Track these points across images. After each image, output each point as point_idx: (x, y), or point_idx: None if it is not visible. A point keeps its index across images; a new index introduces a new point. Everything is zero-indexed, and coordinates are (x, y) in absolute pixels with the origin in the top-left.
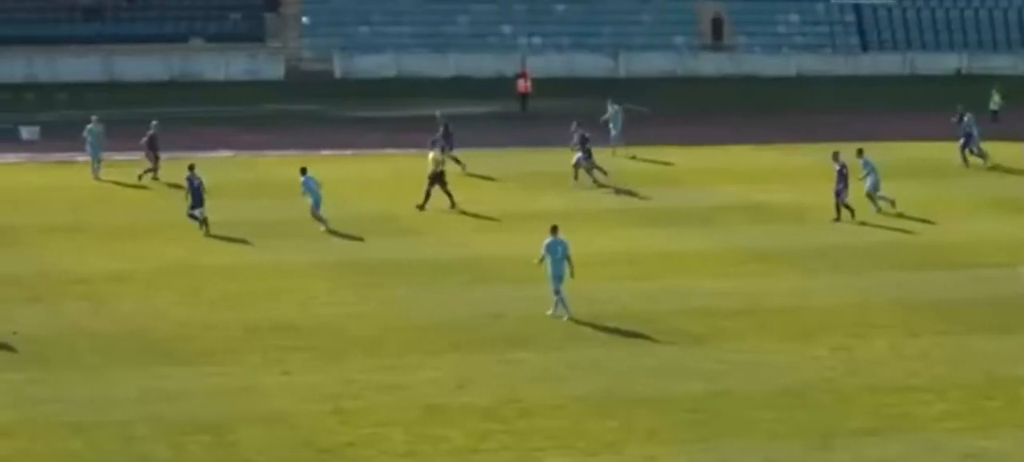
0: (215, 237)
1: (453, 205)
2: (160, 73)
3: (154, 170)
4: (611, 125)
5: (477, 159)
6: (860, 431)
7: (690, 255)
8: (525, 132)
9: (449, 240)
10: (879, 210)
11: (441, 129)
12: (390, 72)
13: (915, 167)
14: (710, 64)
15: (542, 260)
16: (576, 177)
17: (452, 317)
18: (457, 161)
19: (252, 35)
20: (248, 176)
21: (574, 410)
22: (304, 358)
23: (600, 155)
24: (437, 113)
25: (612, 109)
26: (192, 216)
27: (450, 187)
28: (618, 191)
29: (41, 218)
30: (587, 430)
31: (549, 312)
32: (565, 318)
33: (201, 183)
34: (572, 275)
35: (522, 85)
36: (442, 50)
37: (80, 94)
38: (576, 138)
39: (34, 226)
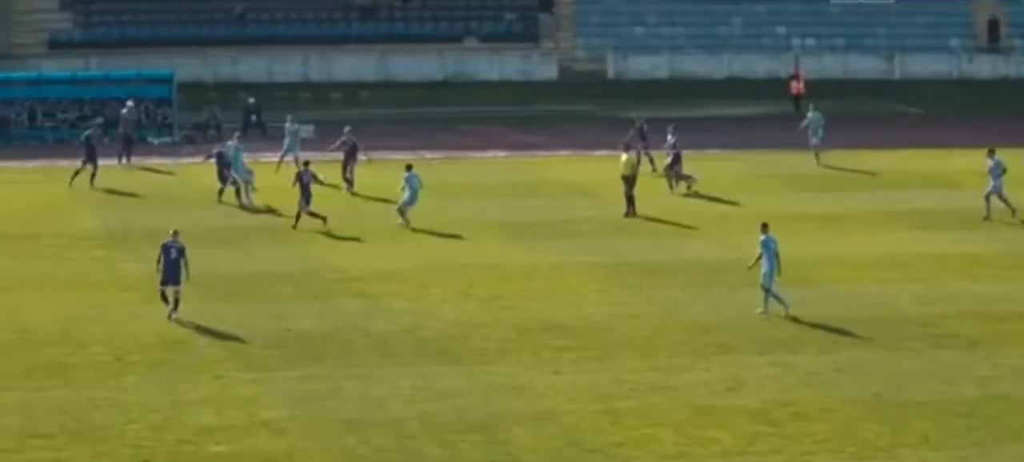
0: (483, 237)
1: (632, 212)
2: (434, 73)
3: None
4: (810, 132)
5: (749, 160)
6: None
7: (964, 258)
8: (798, 134)
9: (722, 241)
10: (987, 216)
11: (635, 130)
12: (663, 73)
13: None
14: (986, 66)
15: (759, 259)
16: (671, 186)
17: (723, 319)
18: (652, 162)
19: (526, 35)
20: (519, 177)
21: (845, 414)
22: (575, 358)
23: (799, 160)
24: (634, 114)
25: (812, 116)
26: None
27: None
28: (886, 193)
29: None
30: (858, 434)
31: (760, 310)
32: (784, 313)
33: (310, 179)
34: (779, 273)
35: (795, 86)
36: (716, 51)
37: (354, 93)
38: (670, 141)
39: (302, 224)
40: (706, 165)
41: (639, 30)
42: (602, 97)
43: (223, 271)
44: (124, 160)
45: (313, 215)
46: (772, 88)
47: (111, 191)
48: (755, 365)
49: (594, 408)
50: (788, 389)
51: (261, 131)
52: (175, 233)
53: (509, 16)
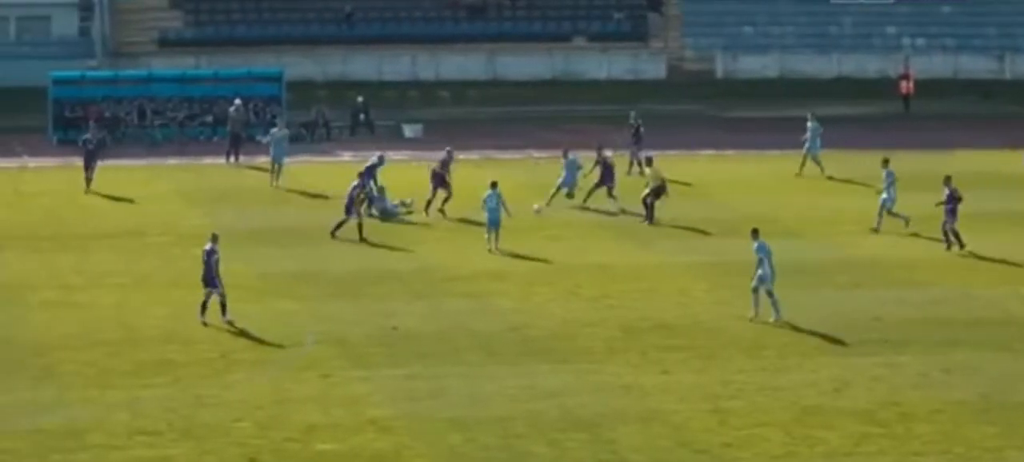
0: (590, 237)
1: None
2: (542, 72)
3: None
4: (808, 142)
5: (857, 160)
6: None
7: None
8: (907, 134)
9: (829, 242)
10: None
11: (631, 131)
12: (772, 72)
13: None
14: None
15: (760, 264)
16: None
17: (830, 319)
18: (639, 164)
19: (635, 34)
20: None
21: (953, 415)
22: (683, 357)
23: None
24: (631, 114)
25: (812, 125)
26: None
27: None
28: (998, 193)
29: (416, 215)
30: (967, 436)
31: (751, 316)
32: (773, 319)
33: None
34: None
35: (905, 86)
36: (825, 51)
37: (463, 92)
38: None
39: (410, 222)
40: (811, 165)
41: (748, 29)
42: (710, 97)
43: (331, 269)
44: (232, 159)
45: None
46: (882, 88)
47: (220, 190)
48: (862, 366)
49: (702, 408)
50: (895, 390)
51: (369, 130)
52: (214, 237)
53: (618, 15)
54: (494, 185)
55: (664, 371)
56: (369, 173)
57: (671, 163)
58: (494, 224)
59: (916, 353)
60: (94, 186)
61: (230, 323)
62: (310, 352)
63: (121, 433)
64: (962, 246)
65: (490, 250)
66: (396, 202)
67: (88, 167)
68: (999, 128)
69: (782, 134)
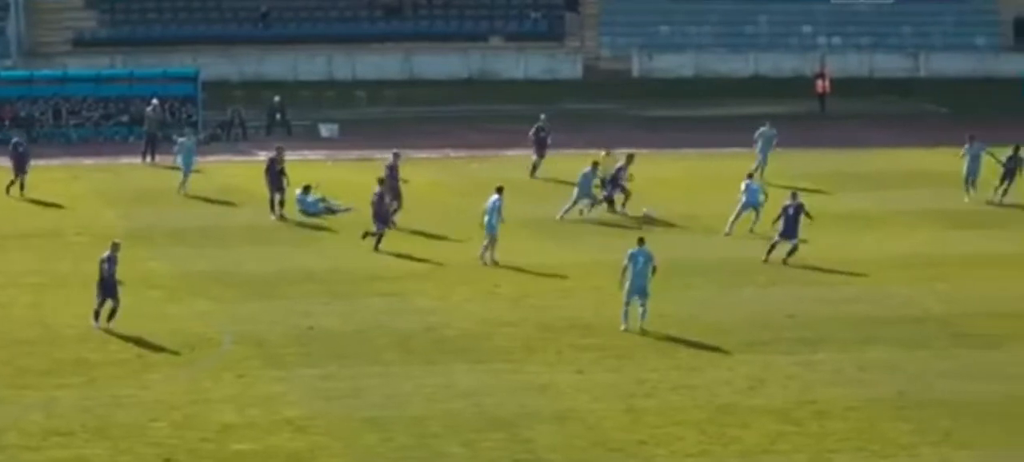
0: (510, 236)
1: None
2: (459, 71)
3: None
4: (759, 149)
5: (774, 159)
6: None
7: (990, 257)
8: (823, 133)
9: (748, 242)
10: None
11: (533, 132)
12: (688, 72)
13: None
14: (1012, 65)
15: (625, 270)
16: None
17: (745, 319)
18: (535, 166)
19: (551, 34)
20: (547, 175)
21: (868, 412)
22: (598, 357)
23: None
24: (541, 116)
25: (762, 131)
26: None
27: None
28: (911, 192)
29: (339, 217)
30: (881, 432)
31: (623, 327)
32: (633, 328)
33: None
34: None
35: (821, 85)
36: (741, 50)
37: (379, 92)
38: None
39: (328, 226)
40: (727, 164)
41: (664, 29)
42: (627, 96)
43: (248, 269)
44: (149, 159)
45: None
46: (798, 87)
47: (136, 190)
48: (777, 364)
49: (616, 406)
50: (811, 388)
51: (286, 130)
52: (115, 246)
53: (534, 14)
54: (499, 190)
55: (579, 370)
56: (393, 173)
57: (589, 162)
58: (491, 228)
59: (832, 351)
60: (26, 191)
61: (106, 330)
62: (227, 352)
63: (36, 433)
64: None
65: (483, 262)
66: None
67: (20, 170)
68: (916, 127)
69: (698, 133)
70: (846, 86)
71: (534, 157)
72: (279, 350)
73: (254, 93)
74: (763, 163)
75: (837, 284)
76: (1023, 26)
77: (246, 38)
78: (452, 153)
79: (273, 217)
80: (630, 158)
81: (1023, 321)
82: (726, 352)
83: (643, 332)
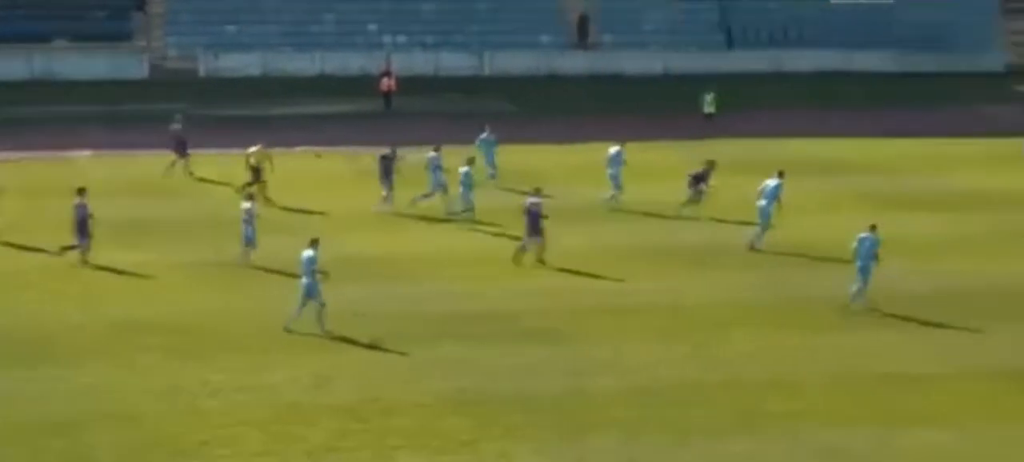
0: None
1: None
2: (21, 72)
3: None
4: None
5: (340, 157)
6: (717, 428)
7: (550, 253)
8: (388, 131)
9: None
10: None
11: (173, 132)
12: (255, 71)
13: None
14: (576, 62)
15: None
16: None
17: (311, 317)
18: (172, 165)
19: (118, 34)
20: (109, 174)
21: (431, 408)
22: (161, 358)
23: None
24: (176, 115)
25: (484, 135)
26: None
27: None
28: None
29: None
30: (442, 428)
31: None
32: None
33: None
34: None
35: (386, 83)
36: (307, 49)
37: None
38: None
39: None
40: (291, 162)
41: (231, 28)
42: (194, 95)
43: None
44: None
45: None
46: (364, 85)
47: None
48: (344, 362)
49: (179, 407)
50: (377, 385)
51: None
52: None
53: (99, 14)
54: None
55: (143, 371)
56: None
57: (155, 162)
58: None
59: (402, 347)
60: None
61: None
62: None
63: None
64: None
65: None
66: None
67: None
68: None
69: (266, 132)
70: (412, 84)
71: (174, 156)
72: None
73: None
74: (491, 166)
75: (407, 281)
76: (586, 24)
77: None
78: (12, 156)
79: None
80: (711, 164)
81: (585, 317)
82: (293, 351)
83: (214, 331)
